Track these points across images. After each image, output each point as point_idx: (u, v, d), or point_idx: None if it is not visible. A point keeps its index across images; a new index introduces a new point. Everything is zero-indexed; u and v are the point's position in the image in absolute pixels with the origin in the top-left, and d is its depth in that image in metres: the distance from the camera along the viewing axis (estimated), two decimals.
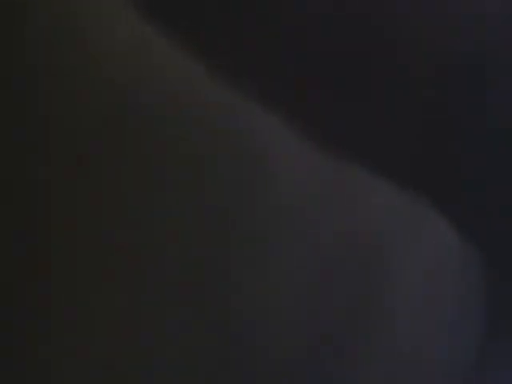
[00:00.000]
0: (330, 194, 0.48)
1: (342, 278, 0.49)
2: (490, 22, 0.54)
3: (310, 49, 0.47)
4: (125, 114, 0.38)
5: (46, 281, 0.36)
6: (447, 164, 0.56)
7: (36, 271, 0.36)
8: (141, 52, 0.38)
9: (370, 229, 0.51)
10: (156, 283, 0.40)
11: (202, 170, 0.41)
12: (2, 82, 0.34)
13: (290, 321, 0.46)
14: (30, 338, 0.36)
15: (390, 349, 0.53)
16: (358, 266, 0.50)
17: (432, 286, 0.56)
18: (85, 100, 0.36)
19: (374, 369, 0.52)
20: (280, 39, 0.45)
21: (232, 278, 0.43)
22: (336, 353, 0.49)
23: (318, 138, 0.47)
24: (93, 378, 0.38)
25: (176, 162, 0.40)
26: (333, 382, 0.49)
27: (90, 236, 0.37)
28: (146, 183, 0.39)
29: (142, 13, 0.38)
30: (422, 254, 0.55)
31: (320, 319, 0.48)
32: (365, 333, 0.51)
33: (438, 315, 0.57)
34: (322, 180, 0.47)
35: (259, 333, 0.44)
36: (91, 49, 0.36)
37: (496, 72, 0.56)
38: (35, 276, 0.36)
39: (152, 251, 0.40)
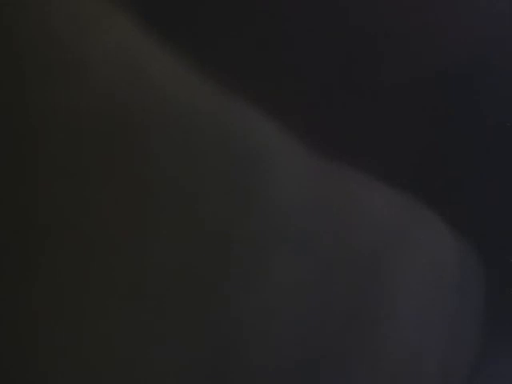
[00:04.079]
0: (329, 196, 0.48)
1: (342, 283, 0.49)
2: (490, 22, 0.54)
3: (311, 49, 0.47)
4: (116, 121, 0.38)
5: (46, 280, 0.36)
6: (446, 165, 0.56)
7: (36, 272, 0.36)
8: (133, 55, 0.38)
9: (369, 229, 0.51)
10: (151, 289, 0.40)
11: (197, 173, 0.41)
12: None
13: (288, 330, 0.46)
14: (29, 337, 0.36)
15: (390, 356, 0.53)
16: (358, 270, 0.50)
17: (431, 288, 0.56)
18: (75, 107, 0.36)
19: (374, 376, 0.52)
20: (278, 40, 0.45)
21: (229, 285, 0.43)
22: (335, 362, 0.49)
23: (315, 141, 0.47)
24: (92, 378, 0.38)
25: (171, 166, 0.40)
26: None
27: (88, 241, 0.37)
28: (141, 188, 0.39)
29: (134, 16, 0.38)
30: (422, 255, 0.55)
31: (319, 328, 0.48)
32: (364, 337, 0.51)
33: (438, 316, 0.57)
34: (320, 183, 0.47)
35: (257, 343, 0.44)
36: (80, 56, 0.36)
37: (496, 72, 0.56)
38: (35, 276, 0.36)
39: (147, 256, 0.40)
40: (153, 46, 0.39)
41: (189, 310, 0.41)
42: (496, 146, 0.57)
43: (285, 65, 0.46)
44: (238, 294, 0.43)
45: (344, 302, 0.49)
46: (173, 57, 0.40)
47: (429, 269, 0.55)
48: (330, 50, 0.48)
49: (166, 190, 0.40)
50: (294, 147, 0.46)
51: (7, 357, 0.36)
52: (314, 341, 0.48)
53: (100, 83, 0.37)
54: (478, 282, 0.60)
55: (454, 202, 0.57)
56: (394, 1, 0.49)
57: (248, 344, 0.44)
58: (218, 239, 0.42)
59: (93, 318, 0.38)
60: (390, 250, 0.52)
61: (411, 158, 0.54)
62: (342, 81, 0.49)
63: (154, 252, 0.40)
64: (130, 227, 0.38)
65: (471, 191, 0.57)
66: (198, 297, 0.42)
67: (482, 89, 0.55)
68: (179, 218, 0.40)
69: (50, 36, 0.35)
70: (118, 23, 0.38)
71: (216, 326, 0.42)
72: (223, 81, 0.42)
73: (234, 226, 0.43)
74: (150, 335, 0.40)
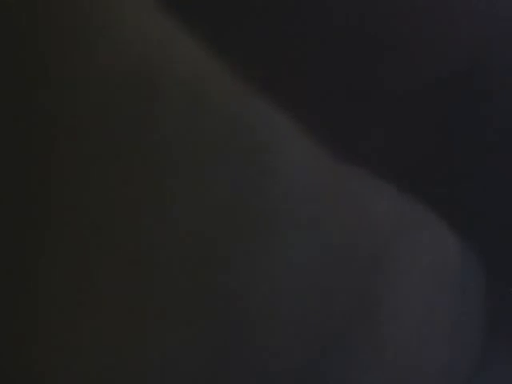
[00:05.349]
0: (332, 192, 0.48)
1: (344, 277, 0.49)
2: (490, 23, 0.54)
3: (320, 46, 0.47)
4: (130, 103, 0.38)
5: (46, 280, 0.36)
6: (447, 165, 0.56)
7: (36, 271, 0.36)
8: (151, 40, 0.38)
9: (370, 228, 0.51)
10: (156, 277, 0.40)
11: (204, 161, 0.41)
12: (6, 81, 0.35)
13: (289, 331, 0.46)
14: (29, 337, 0.36)
15: (391, 355, 0.53)
16: (359, 270, 0.50)
17: (432, 288, 0.56)
18: (89, 87, 0.36)
19: (374, 376, 0.52)
20: (288, 35, 0.45)
21: (234, 275, 0.43)
22: (335, 363, 0.49)
23: (321, 137, 0.47)
24: (92, 377, 0.38)
25: (179, 152, 0.40)
26: None
27: (91, 233, 0.38)
28: (147, 175, 0.39)
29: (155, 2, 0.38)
30: (423, 256, 0.55)
31: (320, 329, 0.48)
32: (365, 337, 0.51)
33: (439, 316, 0.57)
34: (324, 178, 0.47)
35: (257, 343, 0.44)
36: (98, 38, 0.36)
37: (496, 72, 0.56)
38: (35, 276, 0.36)
39: (152, 245, 0.40)
40: (171, 29, 0.39)
41: (192, 305, 0.41)
42: (496, 146, 0.57)
43: (295, 61, 0.46)
44: (244, 283, 0.43)
45: (345, 302, 0.49)
46: (189, 41, 0.40)
47: (430, 269, 0.56)
48: (334, 51, 0.48)
49: (173, 178, 0.40)
50: (299, 143, 0.46)
51: (7, 357, 0.36)
52: (314, 341, 0.48)
53: (114, 63, 0.37)
54: (478, 283, 0.60)
55: (455, 203, 0.57)
56: (394, 3, 0.50)
57: (248, 345, 0.44)
58: (223, 227, 0.42)
59: (93, 317, 0.38)
60: (391, 251, 0.52)
61: (412, 159, 0.54)
62: (346, 82, 0.49)
63: (156, 247, 0.40)
64: (136, 214, 0.39)
65: (471, 191, 0.57)
66: (204, 288, 0.42)
67: (482, 90, 0.55)
68: (186, 206, 0.40)
69: (70, 14, 0.35)
70: (137, 3, 0.38)
71: (222, 316, 0.42)
72: (236, 70, 0.42)
73: (238, 215, 0.43)
74: (150, 335, 0.40)
